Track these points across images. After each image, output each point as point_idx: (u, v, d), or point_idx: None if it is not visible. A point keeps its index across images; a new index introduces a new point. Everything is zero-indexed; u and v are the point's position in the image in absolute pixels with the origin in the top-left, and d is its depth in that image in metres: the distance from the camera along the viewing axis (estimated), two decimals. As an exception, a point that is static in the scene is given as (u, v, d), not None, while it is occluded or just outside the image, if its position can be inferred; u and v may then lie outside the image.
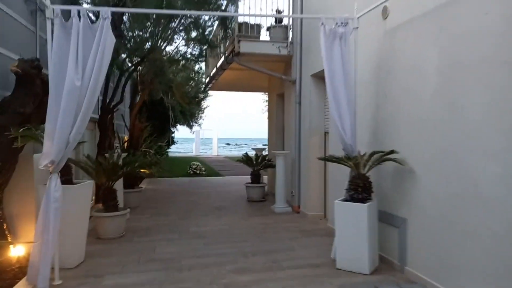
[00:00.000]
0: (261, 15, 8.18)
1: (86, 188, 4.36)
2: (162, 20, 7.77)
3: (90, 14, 6.37)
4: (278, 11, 7.57)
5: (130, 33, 7.96)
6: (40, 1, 4.69)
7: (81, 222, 4.23)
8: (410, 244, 3.90)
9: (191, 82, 13.70)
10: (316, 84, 6.68)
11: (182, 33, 8.79)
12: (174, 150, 28.49)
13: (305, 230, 5.72)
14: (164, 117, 16.12)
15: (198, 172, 14.13)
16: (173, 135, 20.21)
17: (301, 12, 6.98)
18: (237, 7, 7.69)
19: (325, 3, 6.17)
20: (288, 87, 7.81)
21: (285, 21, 7.72)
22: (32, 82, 4.14)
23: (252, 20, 7.58)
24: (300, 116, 7.07)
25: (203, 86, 14.36)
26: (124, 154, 6.46)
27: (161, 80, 8.74)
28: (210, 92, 18.84)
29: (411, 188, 3.90)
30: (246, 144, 62.89)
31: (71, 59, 3.60)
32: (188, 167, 14.51)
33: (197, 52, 9.57)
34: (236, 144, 66.49)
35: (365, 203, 4.01)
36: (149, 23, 7.83)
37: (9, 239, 4.15)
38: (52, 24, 3.66)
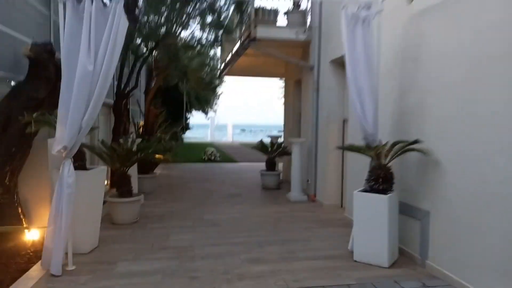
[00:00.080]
0: (278, -2, 7.91)
1: (99, 173, 4.33)
2: (177, 5, 7.61)
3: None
4: (296, -6, 7.29)
5: (145, 18, 7.83)
6: (53, -17, 4.60)
7: (94, 208, 4.21)
8: (433, 238, 3.73)
9: (206, 67, 13.56)
10: (335, 71, 6.44)
11: (198, 18, 8.61)
12: (190, 136, 28.61)
13: (321, 220, 5.59)
14: (179, 103, 16.09)
15: (212, 158, 14.10)
16: (188, 121, 20.23)
17: (321, -5, 6.70)
18: (254, -10, 7.44)
19: (346, -16, 5.88)
20: (305, 73, 7.58)
21: (303, 5, 7.44)
22: (45, 66, 4.08)
23: (269, 5, 7.34)
24: (318, 103, 6.85)
25: (218, 72, 14.19)
26: (138, 140, 6.42)
27: (176, 65, 8.63)
28: (225, 78, 18.68)
29: (436, 181, 3.70)
30: (261, 131, 62.67)
31: (83, 43, 3.50)
32: (203, 153, 14.49)
33: (212, 38, 9.39)
34: (251, 131, 66.40)
35: (385, 194, 3.83)
36: (164, 8, 7.67)
37: (24, 224, 4.17)
38: (65, 7, 3.55)
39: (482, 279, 3.10)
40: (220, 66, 12.83)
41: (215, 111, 22.15)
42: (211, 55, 13.21)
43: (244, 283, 3.37)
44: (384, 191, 3.88)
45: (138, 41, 8.07)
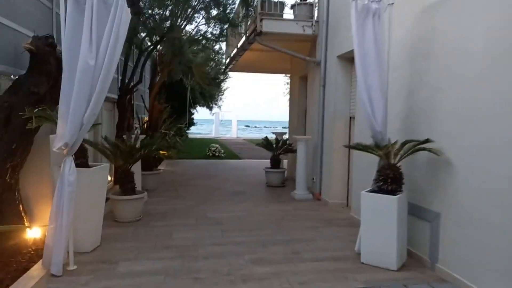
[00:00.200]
0: (285, -8, 7.74)
1: (102, 171, 4.25)
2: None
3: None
4: (304, -13, 7.13)
5: (149, 11, 7.71)
6: (55, -25, 4.50)
7: (97, 206, 4.13)
8: (443, 240, 3.61)
9: (211, 63, 13.42)
10: (342, 66, 6.30)
11: (203, 12, 8.48)
12: (194, 132, 28.55)
13: (327, 219, 5.49)
14: (183, 99, 15.99)
15: (217, 154, 14.03)
16: (193, 116, 20.13)
17: (329, -12, 6.54)
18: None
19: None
20: (312, 69, 7.45)
21: (311, -2, 7.28)
22: (46, 60, 3.99)
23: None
24: (324, 100, 6.72)
25: (223, 67, 14.06)
26: (142, 136, 6.34)
27: (181, 60, 8.51)
28: (230, 73, 18.54)
29: (447, 181, 3.57)
30: (265, 127, 62.64)
31: (85, 37, 3.40)
32: (207, 149, 14.42)
33: (217, 32, 9.26)
34: (256, 127, 66.33)
35: (394, 195, 3.72)
36: (168, 1, 7.55)
37: (26, 221, 4.10)
38: (66, -1, 3.46)
39: (495, 284, 2.99)
40: (225, 61, 12.71)
41: (219, 107, 22.02)
42: (216, 49, 13.08)
43: (248, 285, 3.29)
44: (393, 192, 3.77)
45: (142, 35, 7.96)
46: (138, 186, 5.77)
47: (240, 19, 8.49)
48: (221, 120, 32.77)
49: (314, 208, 6.20)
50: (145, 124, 9.18)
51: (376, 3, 3.83)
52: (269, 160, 8.48)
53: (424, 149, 3.69)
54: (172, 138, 10.43)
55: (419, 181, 3.99)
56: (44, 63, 3.99)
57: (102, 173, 4.28)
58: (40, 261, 3.52)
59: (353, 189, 5.71)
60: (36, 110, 3.82)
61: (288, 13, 7.33)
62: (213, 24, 9.03)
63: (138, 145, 5.41)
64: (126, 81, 7.53)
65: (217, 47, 12.46)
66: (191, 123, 19.94)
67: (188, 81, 13.85)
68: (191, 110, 18.38)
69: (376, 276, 3.54)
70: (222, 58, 13.67)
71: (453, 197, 3.49)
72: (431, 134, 3.77)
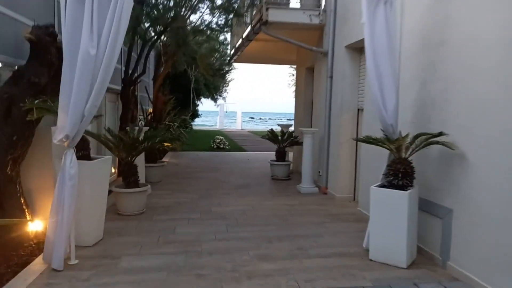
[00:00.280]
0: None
1: (104, 164, 4.16)
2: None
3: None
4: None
5: (153, 1, 7.56)
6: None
7: (99, 199, 4.05)
8: (455, 238, 3.48)
9: (216, 54, 13.26)
10: (350, 57, 6.12)
11: (207, 1, 8.31)
12: (199, 123, 28.48)
13: (333, 214, 5.38)
14: (188, 90, 15.87)
15: (221, 146, 13.94)
16: (197, 108, 20.03)
17: (337, -24, 6.33)
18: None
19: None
20: (318, 59, 7.27)
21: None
22: (47, 50, 3.88)
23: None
24: (332, 92, 6.56)
25: (228, 58, 13.89)
26: (145, 128, 6.25)
27: (185, 50, 8.38)
28: (235, 64, 18.36)
29: (461, 176, 3.43)
30: (270, 119, 62.42)
31: (86, 25, 3.27)
32: (212, 141, 14.33)
33: (222, 22, 9.08)
34: (260, 118, 66.12)
35: (405, 190, 3.59)
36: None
37: (27, 214, 4.04)
38: (66, -15, 3.33)
39: (510, 284, 2.86)
40: (230, 52, 12.54)
41: (224, 98, 21.88)
42: (221, 40, 12.91)
43: (253, 282, 3.19)
44: (403, 187, 3.64)
45: (146, 25, 7.82)
46: (142, 179, 5.69)
47: (245, 9, 8.31)
48: (226, 112, 32.65)
49: (320, 202, 6.08)
50: (149, 116, 9.09)
51: (388, -10, 3.65)
52: (273, 153, 8.37)
53: (437, 142, 3.55)
54: (177, 130, 10.36)
55: (430, 176, 3.86)
56: (45, 53, 3.89)
57: (105, 166, 4.19)
58: (41, 255, 3.46)
59: (361, 183, 5.58)
60: (36, 101, 3.72)
61: (294, 2, 7.16)
62: (217, 14, 8.86)
63: (141, 137, 5.31)
64: (130, 72, 7.41)
65: (221, 37, 12.30)
66: (195, 114, 19.85)
67: (192, 72, 13.72)
68: (196, 101, 18.26)
69: (385, 273, 3.44)
70: (227, 49, 13.51)
71: (467, 193, 3.35)
72: (445, 127, 3.62)
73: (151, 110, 9.40)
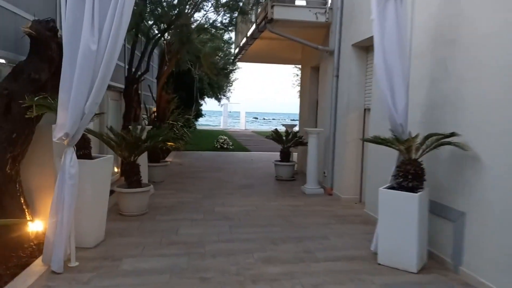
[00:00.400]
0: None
1: (105, 163, 4.06)
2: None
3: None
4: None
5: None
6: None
7: (100, 199, 3.96)
8: (468, 242, 3.36)
9: (220, 53, 13.16)
10: (357, 55, 6.00)
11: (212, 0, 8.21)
12: (203, 123, 28.42)
13: (339, 216, 5.26)
14: (191, 89, 15.78)
15: (225, 146, 13.85)
16: (201, 107, 19.94)
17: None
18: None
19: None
20: (324, 58, 7.15)
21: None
22: (47, 45, 3.78)
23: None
24: (337, 91, 6.44)
25: (232, 57, 13.79)
26: (148, 127, 6.16)
27: (189, 48, 8.27)
28: (239, 64, 18.27)
29: (474, 178, 3.31)
30: (273, 119, 62.29)
31: (86, 19, 3.18)
32: (215, 141, 14.25)
33: (226, 20, 8.98)
34: (264, 119, 66.03)
35: (415, 192, 3.47)
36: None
37: (27, 214, 3.95)
38: (66, -22, 3.23)
39: (528, 292, 2.74)
40: (234, 51, 12.44)
41: (228, 98, 21.77)
42: (225, 39, 12.81)
43: (258, 286, 3.08)
44: (413, 189, 3.51)
45: (150, 23, 7.73)
46: (144, 179, 5.60)
47: (250, 6, 8.20)
48: (230, 112, 32.56)
49: (325, 203, 5.96)
50: (153, 115, 9.00)
51: (399, -15, 3.53)
52: (277, 153, 8.26)
53: (449, 143, 3.42)
54: (180, 130, 10.26)
55: (441, 178, 3.73)
56: (45, 48, 3.79)
57: (106, 165, 4.10)
58: (40, 257, 3.36)
59: (368, 184, 5.46)
60: (36, 98, 3.63)
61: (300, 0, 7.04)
62: (222, 12, 8.76)
63: (144, 136, 5.22)
64: (133, 70, 7.32)
65: (226, 36, 12.20)
66: (199, 114, 19.76)
67: (196, 71, 13.62)
68: (199, 101, 18.17)
69: (394, 278, 3.32)
70: (231, 48, 13.41)
71: (481, 195, 3.23)
72: (457, 127, 3.49)
73: (154, 109, 9.31)
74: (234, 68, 18.21)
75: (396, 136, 3.72)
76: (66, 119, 3.20)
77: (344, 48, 6.24)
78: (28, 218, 3.90)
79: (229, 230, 4.48)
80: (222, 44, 12.58)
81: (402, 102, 3.57)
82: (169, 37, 9.01)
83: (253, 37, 8.19)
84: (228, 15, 8.71)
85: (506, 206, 2.96)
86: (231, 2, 7.99)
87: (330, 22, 6.60)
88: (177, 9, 7.42)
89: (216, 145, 13.91)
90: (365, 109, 6.06)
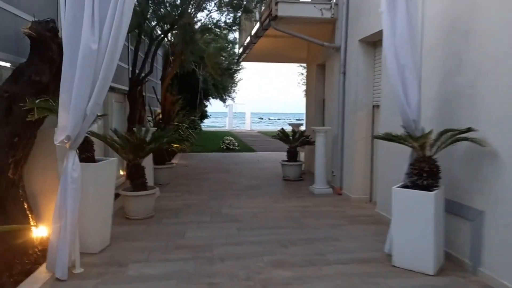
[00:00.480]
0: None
1: (109, 166, 3.97)
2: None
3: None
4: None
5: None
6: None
7: (104, 203, 3.86)
8: (488, 242, 3.21)
9: (224, 53, 13.06)
10: (364, 51, 5.86)
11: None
12: (208, 124, 28.36)
13: (350, 216, 5.11)
14: (196, 90, 15.70)
15: (231, 147, 13.75)
16: (206, 108, 19.86)
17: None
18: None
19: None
20: (330, 55, 7.01)
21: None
22: (48, 46, 3.69)
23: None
24: (345, 88, 6.30)
25: (237, 57, 13.68)
26: (153, 129, 6.07)
27: (192, 49, 8.18)
28: (243, 64, 18.16)
29: (493, 175, 3.15)
30: (279, 119, 62.09)
31: (86, 18, 3.08)
32: (221, 142, 14.16)
33: (230, 20, 8.87)
34: (269, 119, 65.89)
35: (430, 190, 3.32)
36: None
37: (31, 219, 3.86)
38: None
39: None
40: (239, 51, 12.34)
41: (233, 99, 21.67)
42: (230, 39, 12.71)
43: (269, 291, 2.96)
44: (428, 187, 3.37)
45: (153, 23, 7.65)
46: (150, 181, 5.51)
47: (254, 4, 8.08)
48: (235, 113, 32.46)
49: (335, 203, 5.82)
50: (158, 117, 8.92)
51: (409, -25, 3.39)
52: (283, 153, 8.13)
53: (466, 139, 3.27)
54: (186, 131, 10.18)
55: (457, 175, 3.58)
56: (46, 49, 3.70)
57: (110, 168, 4.00)
58: (45, 264, 3.28)
59: (379, 183, 5.31)
60: (38, 100, 3.55)
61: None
62: (226, 11, 8.65)
63: (148, 138, 5.12)
64: (137, 71, 7.24)
65: (231, 36, 12.11)
66: (204, 115, 19.68)
67: (200, 71, 13.54)
68: (204, 102, 18.09)
69: (411, 281, 3.17)
70: (235, 48, 13.31)
71: (500, 193, 3.08)
72: (473, 122, 3.34)
73: (159, 111, 9.24)
74: (238, 68, 18.11)
75: (409, 133, 3.58)
76: (67, 121, 3.11)
77: (351, 44, 6.10)
78: (32, 224, 3.82)
79: (237, 233, 4.36)
80: (226, 44, 12.47)
81: (415, 97, 3.42)
82: (172, 38, 8.94)
83: (257, 36, 8.07)
84: (231, 14, 8.61)
85: (529, 204, 2.81)
86: (234, 1, 7.88)
87: (335, 17, 6.46)
88: (180, 9, 7.33)
89: (222, 146, 13.81)
90: (373, 106, 5.91)
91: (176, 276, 3.20)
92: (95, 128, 5.15)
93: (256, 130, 29.24)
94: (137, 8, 6.35)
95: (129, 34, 7.38)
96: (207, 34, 9.43)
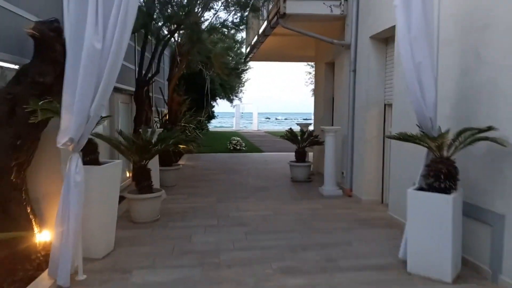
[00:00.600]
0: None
1: (114, 168, 3.87)
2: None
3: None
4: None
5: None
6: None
7: (109, 207, 3.77)
8: (509, 248, 3.03)
9: (231, 52, 12.96)
10: (375, 48, 5.69)
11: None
12: (216, 125, 28.31)
13: (361, 219, 4.95)
14: (203, 91, 15.62)
15: (238, 147, 13.63)
16: (213, 109, 19.79)
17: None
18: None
19: None
20: (340, 53, 6.85)
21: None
22: (51, 47, 3.61)
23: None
24: (355, 86, 6.14)
25: (244, 57, 13.56)
26: (159, 130, 5.97)
27: (199, 48, 8.07)
28: (250, 64, 18.05)
29: (515, 177, 2.98)
30: (286, 119, 61.86)
31: (90, 17, 2.99)
32: (228, 142, 14.05)
33: (237, 19, 8.75)
34: (276, 119, 65.70)
35: (448, 193, 3.15)
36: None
37: (35, 224, 3.78)
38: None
39: None
40: (246, 50, 12.23)
41: (240, 99, 21.57)
42: (237, 39, 12.61)
43: (278, 300, 2.83)
44: (446, 190, 3.20)
45: (159, 24, 7.57)
46: (156, 183, 5.42)
47: (262, 2, 7.95)
48: (242, 113, 32.36)
49: (345, 205, 5.66)
50: (164, 118, 8.85)
51: (425, -33, 3.22)
52: (291, 153, 7.98)
53: (486, 138, 3.10)
54: (192, 132, 10.10)
55: (476, 177, 3.40)
56: (49, 50, 3.61)
57: (115, 171, 3.90)
58: (47, 270, 3.18)
59: (391, 185, 5.13)
60: (41, 102, 3.46)
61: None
62: (233, 11, 8.53)
63: (154, 139, 5.02)
64: (143, 72, 7.17)
65: (238, 36, 12.00)
66: (211, 116, 19.62)
67: (207, 71, 13.46)
68: (211, 102, 18.01)
69: (428, 289, 3.02)
70: (242, 48, 13.20)
71: (524, 196, 2.90)
72: (492, 120, 3.17)
73: (166, 112, 9.16)
74: (246, 68, 18.00)
75: (425, 132, 3.41)
76: (70, 123, 3.01)
77: (361, 41, 5.93)
78: (35, 228, 3.74)
79: (245, 237, 4.23)
80: (233, 44, 12.37)
81: (432, 94, 3.25)
82: (179, 38, 8.85)
83: (265, 34, 7.94)
84: (239, 13, 8.49)
85: (556, 209, 2.63)
86: (242, 0, 7.76)
87: (345, 14, 6.30)
88: (187, 9, 7.24)
89: (229, 147, 13.70)
90: (385, 105, 5.74)
91: (182, 283, 3.08)
92: (100, 129, 5.07)
93: (263, 130, 29.10)
94: (143, 8, 6.27)
95: (136, 34, 7.31)
96: (214, 34, 9.31)
